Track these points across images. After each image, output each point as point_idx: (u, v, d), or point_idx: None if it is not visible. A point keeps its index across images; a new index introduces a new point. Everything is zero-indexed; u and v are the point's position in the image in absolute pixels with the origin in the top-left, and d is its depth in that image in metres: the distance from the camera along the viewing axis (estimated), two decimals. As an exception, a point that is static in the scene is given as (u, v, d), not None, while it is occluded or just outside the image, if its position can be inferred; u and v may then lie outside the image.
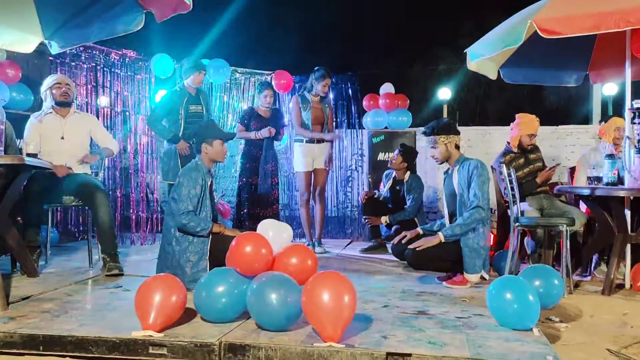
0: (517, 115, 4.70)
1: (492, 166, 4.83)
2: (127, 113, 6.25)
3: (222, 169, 6.67)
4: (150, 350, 2.35)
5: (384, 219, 5.15)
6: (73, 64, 5.81)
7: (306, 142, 5.27)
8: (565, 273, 3.75)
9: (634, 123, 3.70)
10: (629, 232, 3.77)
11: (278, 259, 2.95)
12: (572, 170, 5.09)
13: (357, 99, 7.10)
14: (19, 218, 3.91)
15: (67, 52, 5.43)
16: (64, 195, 4.06)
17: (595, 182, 4.01)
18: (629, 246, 3.84)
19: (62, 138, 4.15)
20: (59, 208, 5.17)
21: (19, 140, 4.19)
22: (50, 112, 4.17)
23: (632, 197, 3.76)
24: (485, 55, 4.34)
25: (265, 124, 5.17)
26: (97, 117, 5.58)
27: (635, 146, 3.70)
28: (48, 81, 4.19)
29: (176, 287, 2.58)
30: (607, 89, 8.27)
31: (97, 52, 5.87)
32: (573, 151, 7.31)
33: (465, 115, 17.52)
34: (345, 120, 7.20)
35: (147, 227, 5.99)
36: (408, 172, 5.22)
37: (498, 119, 15.56)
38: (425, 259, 3.66)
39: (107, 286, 3.58)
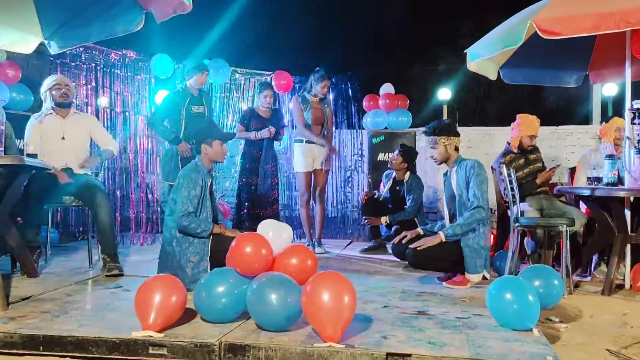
0: (517, 116, 4.71)
1: (492, 166, 4.83)
2: (127, 113, 6.25)
3: (222, 170, 6.67)
4: (150, 351, 2.35)
5: (384, 219, 5.15)
6: (73, 64, 5.81)
7: (306, 142, 5.26)
8: (565, 273, 3.75)
9: (634, 123, 3.70)
10: (629, 232, 3.77)
11: (278, 259, 2.95)
12: (572, 170, 5.09)
13: (357, 99, 7.10)
14: (19, 218, 3.91)
15: (67, 52, 5.42)
16: (64, 195, 4.06)
17: (595, 183, 4.01)
18: (629, 246, 3.84)
19: (63, 138, 4.15)
20: (59, 208, 5.17)
21: (18, 140, 4.20)
22: (51, 113, 4.17)
23: (632, 198, 3.76)
24: (485, 56, 4.34)
25: (265, 125, 5.17)
26: (97, 118, 5.58)
27: (635, 146, 3.70)
28: (47, 82, 4.19)
29: (176, 287, 2.58)
30: (607, 89, 8.27)
31: (97, 52, 5.87)
32: (573, 151, 7.31)
33: (465, 115, 17.52)
34: (345, 121, 7.20)
35: (147, 227, 5.99)
36: (408, 173, 5.22)
37: (498, 120, 15.57)
38: (426, 259, 3.66)
39: (107, 286, 3.58)
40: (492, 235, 4.52)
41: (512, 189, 4.02)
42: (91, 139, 4.39)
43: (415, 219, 5.06)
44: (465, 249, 3.56)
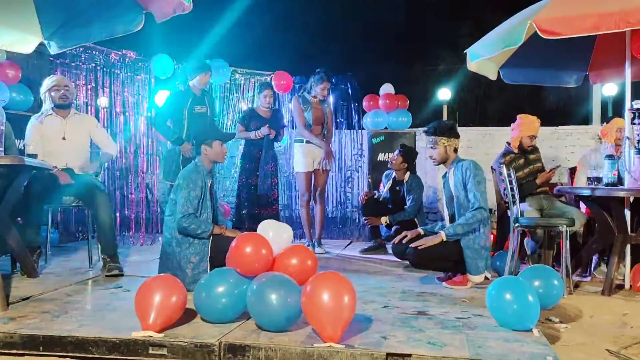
0: (518, 116, 4.71)
1: (492, 167, 4.83)
2: (127, 113, 6.25)
3: (222, 170, 6.68)
4: (150, 351, 2.35)
5: (384, 220, 5.15)
6: (73, 64, 5.81)
7: (306, 142, 5.27)
8: (565, 273, 3.75)
9: (634, 123, 3.70)
10: (629, 232, 3.77)
11: (278, 259, 2.95)
12: (572, 170, 5.10)
13: (357, 99, 7.10)
14: (19, 218, 3.92)
15: (67, 52, 5.42)
16: (65, 195, 4.07)
17: (595, 183, 4.01)
18: (628, 246, 3.84)
19: (64, 139, 4.16)
20: (59, 208, 5.17)
21: (18, 140, 4.20)
22: (51, 114, 4.18)
23: (632, 198, 3.76)
24: (485, 56, 4.34)
25: (265, 125, 5.16)
26: (97, 118, 5.60)
27: (635, 147, 3.70)
28: (47, 83, 4.19)
29: (176, 287, 2.58)
30: (607, 89, 8.26)
31: (97, 52, 5.87)
32: (573, 152, 7.31)
33: (465, 115, 17.50)
34: (345, 121, 7.20)
35: (147, 228, 5.99)
36: (408, 173, 5.22)
37: (498, 120, 15.55)
38: (426, 258, 3.65)
39: (107, 286, 3.58)
40: (492, 236, 4.52)
41: (512, 189, 4.02)
42: (91, 140, 4.39)
43: (415, 219, 5.06)
44: (466, 250, 3.56)
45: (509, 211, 4.10)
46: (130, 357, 2.36)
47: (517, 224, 3.95)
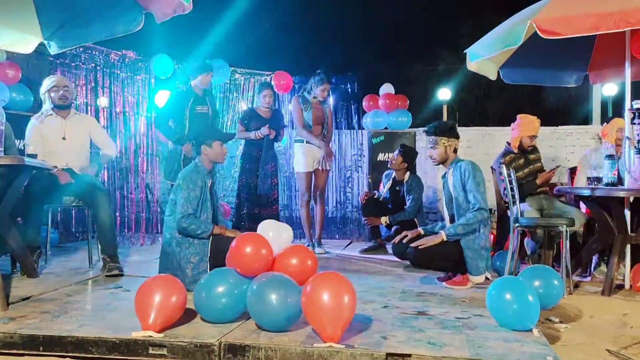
0: (518, 116, 4.71)
1: (492, 167, 4.83)
2: (127, 113, 6.25)
3: (222, 170, 6.68)
4: (150, 351, 2.35)
5: (384, 220, 5.15)
6: (73, 64, 5.81)
7: (307, 142, 5.27)
8: (565, 273, 3.75)
9: (634, 123, 3.70)
10: (629, 232, 3.78)
11: (278, 259, 2.95)
12: (572, 170, 5.10)
13: (357, 99, 7.10)
14: (19, 218, 3.92)
15: (67, 52, 5.43)
16: (65, 195, 4.07)
17: (595, 183, 4.01)
18: (628, 246, 3.84)
19: (64, 139, 4.16)
20: (59, 208, 5.17)
21: (18, 140, 4.20)
22: (51, 114, 4.18)
23: (632, 198, 3.76)
24: (485, 56, 4.34)
25: (265, 125, 5.16)
26: (97, 118, 5.60)
27: (635, 147, 3.70)
28: (46, 84, 4.19)
29: (176, 287, 2.58)
30: (606, 89, 8.27)
31: (97, 52, 5.88)
32: (573, 152, 7.31)
33: (465, 115, 17.52)
34: (345, 121, 7.20)
35: (147, 228, 5.99)
36: (408, 173, 5.22)
37: (498, 120, 15.56)
38: (426, 258, 3.66)
39: (107, 287, 3.58)
40: (491, 236, 4.52)
41: (512, 189, 4.02)
42: (91, 140, 4.39)
43: (415, 219, 5.06)
44: (467, 250, 3.56)
45: (508, 211, 4.10)
46: (130, 357, 2.36)
47: (517, 224, 3.95)
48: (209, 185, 3.57)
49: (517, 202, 4.03)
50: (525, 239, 4.41)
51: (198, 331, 2.52)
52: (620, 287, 3.89)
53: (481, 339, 2.44)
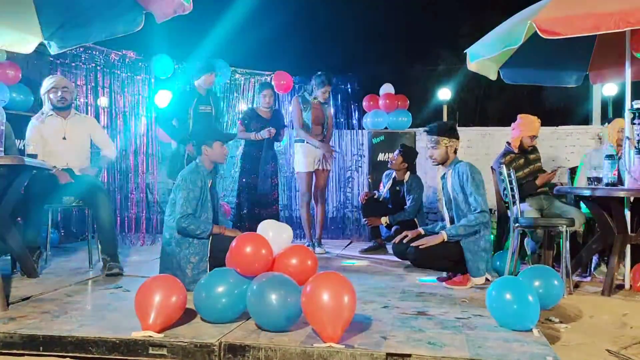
0: (518, 116, 4.71)
1: (492, 167, 4.83)
2: (127, 113, 6.25)
3: (221, 170, 6.68)
4: (150, 351, 2.35)
5: (384, 220, 5.15)
6: (73, 64, 5.81)
7: (307, 142, 5.27)
8: (565, 273, 3.75)
9: (634, 123, 3.71)
10: (629, 232, 3.78)
11: (278, 259, 2.95)
12: (572, 170, 5.10)
13: (357, 99, 7.10)
14: (19, 218, 3.92)
15: (67, 52, 5.43)
16: (65, 195, 4.07)
17: (595, 183, 4.01)
18: (628, 247, 3.84)
19: (64, 139, 4.16)
20: (59, 209, 5.17)
21: (18, 140, 4.20)
22: (52, 114, 4.18)
23: (632, 198, 3.76)
24: (485, 56, 4.34)
25: (265, 125, 5.16)
26: (97, 118, 5.60)
27: (635, 147, 3.70)
28: (46, 84, 4.20)
29: (176, 287, 2.58)
30: (607, 89, 8.26)
31: (97, 52, 5.88)
32: (573, 152, 7.31)
33: (465, 115, 17.51)
34: (345, 121, 7.20)
35: (147, 228, 5.99)
36: (408, 173, 5.22)
37: (498, 120, 15.56)
38: (427, 258, 3.66)
39: (107, 287, 3.58)
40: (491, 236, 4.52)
41: (512, 189, 4.02)
42: (91, 140, 4.40)
43: (415, 219, 5.06)
44: (467, 252, 3.56)
45: (508, 211, 4.10)
46: (130, 357, 2.36)
47: (517, 224, 3.95)
48: (209, 186, 3.57)
49: (517, 202, 4.03)
50: (525, 239, 4.41)
51: (198, 331, 2.52)
52: (620, 287, 3.89)
53: (481, 339, 2.44)
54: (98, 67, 5.98)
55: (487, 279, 3.58)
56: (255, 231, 3.09)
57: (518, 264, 4.02)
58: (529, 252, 4.47)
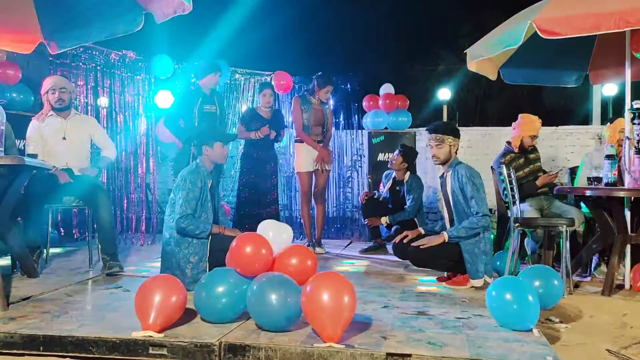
0: (519, 116, 4.71)
1: (492, 167, 4.83)
2: (127, 113, 6.25)
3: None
4: (150, 351, 2.35)
5: (384, 220, 5.15)
6: (73, 64, 5.81)
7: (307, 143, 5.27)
8: (565, 273, 3.75)
9: (634, 123, 3.70)
10: (629, 232, 3.78)
11: (278, 259, 2.95)
12: (572, 170, 5.10)
13: (357, 99, 7.10)
14: (19, 218, 3.92)
15: (67, 52, 5.42)
16: (65, 195, 4.07)
17: (595, 183, 4.01)
18: (628, 246, 3.84)
19: (64, 139, 4.17)
20: (59, 208, 5.17)
21: (18, 140, 4.20)
22: (52, 114, 4.19)
23: (632, 198, 3.76)
24: (485, 56, 4.33)
25: (265, 125, 5.16)
26: (97, 118, 5.60)
27: (635, 147, 3.70)
28: (45, 85, 4.20)
29: (176, 287, 2.58)
30: (607, 89, 8.25)
31: (97, 52, 5.87)
32: (573, 152, 7.31)
33: (465, 115, 17.51)
34: (345, 121, 7.20)
35: (147, 228, 5.99)
36: (408, 173, 5.22)
37: (498, 120, 15.56)
38: (427, 258, 3.66)
39: (107, 287, 3.58)
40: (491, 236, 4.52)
41: (512, 189, 4.02)
42: (91, 140, 4.40)
43: (415, 219, 5.06)
44: (466, 255, 3.56)
45: (508, 211, 4.10)
46: (131, 357, 2.36)
47: (517, 224, 3.95)
48: (209, 186, 3.57)
49: (517, 202, 4.03)
50: (526, 239, 4.41)
51: (198, 331, 2.52)
52: (620, 287, 3.89)
53: (481, 339, 2.44)
54: (98, 67, 5.98)
55: (485, 282, 3.57)
56: (255, 231, 3.09)
57: (518, 264, 4.02)
58: (529, 252, 4.47)
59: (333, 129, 5.74)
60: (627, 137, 3.84)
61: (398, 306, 3.09)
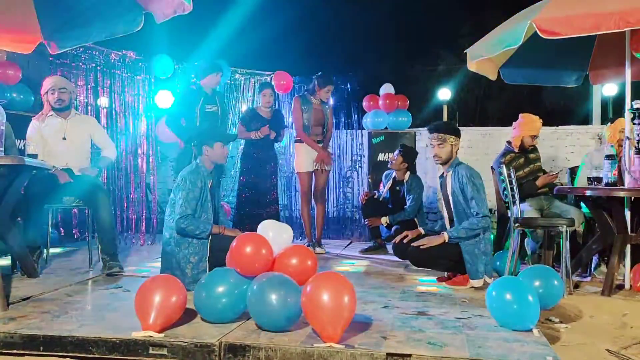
0: (520, 115, 4.72)
1: (492, 167, 4.83)
2: (127, 114, 6.25)
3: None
4: (151, 351, 2.35)
5: (384, 220, 5.15)
6: (73, 64, 5.81)
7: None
8: (565, 274, 3.76)
9: (634, 123, 3.70)
10: (629, 232, 3.78)
11: (278, 259, 2.95)
12: (572, 170, 5.09)
13: (357, 99, 7.10)
14: (19, 218, 3.92)
15: (67, 52, 5.42)
16: (66, 195, 4.07)
17: (595, 183, 4.01)
18: (628, 247, 3.84)
19: (64, 139, 4.17)
20: (59, 208, 5.17)
21: (18, 140, 4.20)
22: (52, 115, 4.19)
23: (632, 198, 3.76)
24: (485, 56, 4.34)
25: (265, 125, 5.15)
26: (97, 118, 5.60)
27: (635, 147, 3.70)
28: (44, 85, 4.20)
29: (176, 287, 2.58)
30: (607, 89, 8.26)
31: (97, 52, 5.87)
32: (573, 152, 7.31)
33: (465, 115, 17.51)
34: (345, 121, 7.20)
35: (147, 228, 5.99)
36: (408, 173, 5.22)
37: (498, 120, 15.56)
38: (427, 258, 3.66)
39: (107, 287, 3.58)
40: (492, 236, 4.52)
41: (511, 189, 4.02)
42: (92, 141, 4.40)
43: (415, 219, 5.06)
44: (466, 255, 3.56)
45: (508, 211, 4.10)
46: (131, 357, 2.36)
47: (517, 224, 3.95)
48: (210, 186, 3.57)
49: (517, 202, 4.03)
50: (526, 239, 4.41)
51: (198, 331, 2.52)
52: (620, 287, 3.89)
53: (481, 339, 2.44)
54: (98, 67, 5.98)
55: (485, 282, 3.57)
56: (255, 231, 3.09)
57: (518, 264, 4.02)
58: (529, 252, 4.47)
59: (333, 129, 5.73)
60: (627, 137, 3.84)
61: (398, 306, 3.09)
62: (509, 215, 4.09)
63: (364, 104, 7.06)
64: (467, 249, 3.55)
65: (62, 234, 5.76)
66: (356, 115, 7.14)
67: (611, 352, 2.70)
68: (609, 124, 4.68)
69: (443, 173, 3.79)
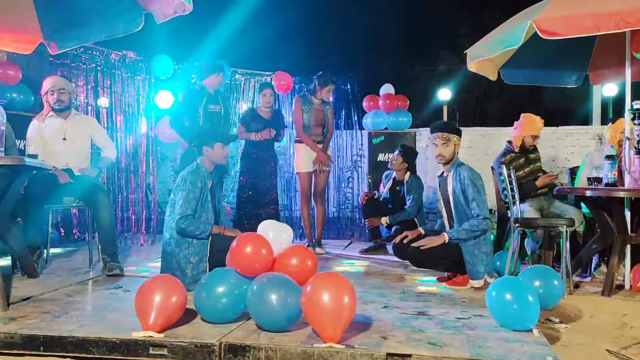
0: (522, 115, 4.72)
1: (492, 167, 4.83)
2: (127, 114, 6.25)
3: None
4: (151, 351, 2.35)
5: (384, 220, 5.15)
6: (73, 64, 5.81)
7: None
8: (565, 274, 3.76)
9: (634, 124, 3.70)
10: (629, 232, 3.78)
11: (278, 259, 2.95)
12: (572, 170, 5.09)
13: (357, 99, 7.10)
14: (19, 218, 3.92)
15: (67, 52, 5.42)
16: (66, 196, 4.07)
17: (595, 183, 4.01)
18: (628, 247, 3.84)
19: (64, 139, 4.17)
20: (59, 209, 5.17)
21: (18, 140, 4.20)
22: (52, 115, 4.19)
23: (632, 198, 3.76)
24: (485, 56, 4.34)
25: (266, 126, 5.16)
26: (97, 118, 5.60)
27: (635, 147, 3.70)
28: (44, 86, 4.20)
29: (176, 287, 2.58)
30: (607, 89, 8.26)
31: (97, 53, 5.87)
32: (573, 152, 7.31)
33: (465, 115, 17.50)
34: (345, 121, 7.20)
35: (147, 228, 5.99)
36: (408, 173, 5.22)
37: (498, 120, 15.55)
38: (427, 258, 3.66)
39: (107, 287, 3.58)
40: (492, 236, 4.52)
41: (512, 189, 4.02)
42: (92, 141, 4.40)
43: (415, 219, 5.06)
44: (466, 255, 3.56)
45: (508, 211, 4.10)
46: (131, 357, 2.36)
47: (517, 224, 3.95)
48: (210, 186, 3.57)
49: (517, 202, 4.03)
50: (525, 239, 4.41)
51: (198, 331, 2.52)
52: (620, 287, 3.89)
53: (481, 339, 2.45)
54: (98, 68, 5.98)
55: (486, 282, 3.57)
56: (255, 231, 3.09)
57: (518, 264, 4.02)
58: (529, 252, 4.47)
59: (333, 129, 5.74)
60: (627, 138, 3.84)
61: (398, 306, 3.09)
62: (509, 215, 4.09)
63: (364, 104, 7.07)
64: (468, 250, 3.55)
65: (62, 234, 5.76)
66: (356, 116, 7.14)
67: (611, 352, 2.70)
68: (610, 124, 4.68)
69: (443, 172, 3.79)
